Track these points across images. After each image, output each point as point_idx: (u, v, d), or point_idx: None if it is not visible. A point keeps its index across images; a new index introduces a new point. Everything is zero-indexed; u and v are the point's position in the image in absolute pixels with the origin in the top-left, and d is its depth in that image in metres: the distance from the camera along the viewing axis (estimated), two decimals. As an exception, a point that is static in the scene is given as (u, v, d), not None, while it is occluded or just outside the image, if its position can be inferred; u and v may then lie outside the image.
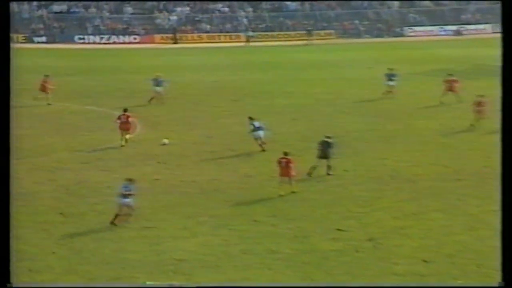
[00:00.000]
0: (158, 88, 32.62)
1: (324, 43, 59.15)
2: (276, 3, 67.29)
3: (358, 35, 63.90)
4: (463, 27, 63.58)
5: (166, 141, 25.10)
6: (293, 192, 19.61)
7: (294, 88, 36.67)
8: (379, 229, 17.15)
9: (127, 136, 24.99)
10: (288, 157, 20.06)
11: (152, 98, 32.26)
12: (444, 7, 67.43)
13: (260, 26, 64.67)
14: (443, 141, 25.18)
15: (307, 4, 67.43)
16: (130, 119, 25.16)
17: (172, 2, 66.43)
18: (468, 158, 22.92)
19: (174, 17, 64.89)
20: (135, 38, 61.81)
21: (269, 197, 19.55)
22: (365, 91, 35.66)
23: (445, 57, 48.31)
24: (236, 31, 63.84)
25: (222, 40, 61.84)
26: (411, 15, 66.41)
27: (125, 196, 17.64)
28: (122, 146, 24.56)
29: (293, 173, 19.78)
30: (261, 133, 24.27)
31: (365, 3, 67.82)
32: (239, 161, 23.11)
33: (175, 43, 60.51)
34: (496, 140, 25.87)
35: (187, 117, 30.06)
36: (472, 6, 67.71)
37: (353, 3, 67.76)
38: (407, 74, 40.53)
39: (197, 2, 66.56)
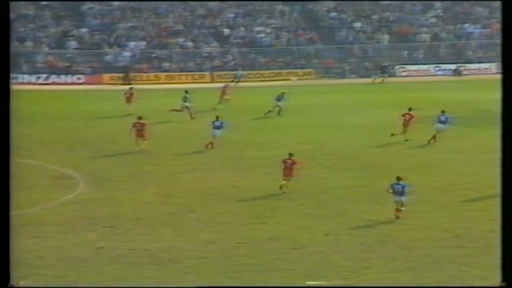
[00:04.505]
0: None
1: (302, 84, 59.90)
2: (247, 37, 68.25)
3: (342, 74, 64.89)
4: (463, 66, 64.89)
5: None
6: (284, 193, 25.38)
7: (267, 137, 36.86)
8: (367, 306, 17.02)
9: (144, 143, 31.58)
10: (293, 158, 25.94)
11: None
12: (441, 42, 69.00)
13: (228, 64, 65.40)
14: (442, 200, 25.36)
15: (283, 38, 68.51)
16: (145, 126, 32.16)
17: (124, 37, 66.91)
18: (472, 221, 23.06)
19: (126, 54, 65.28)
20: (79, 78, 61.80)
21: (235, 270, 19.34)
22: (351, 140, 35.97)
23: (443, 101, 49.07)
24: (200, 69, 64.45)
25: (184, 80, 62.24)
26: (403, 51, 67.72)
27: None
28: (136, 151, 29.65)
29: (294, 174, 25.65)
30: (218, 132, 32.20)
31: (350, 37, 69.14)
32: (200, 225, 22.95)
33: (127, 83, 60.52)
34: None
35: (140, 172, 29.92)
36: (474, 42, 69.43)
37: (336, 37, 69.03)
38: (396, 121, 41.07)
39: (154, 36, 67.24)
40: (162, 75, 63.15)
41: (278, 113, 43.54)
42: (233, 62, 65.66)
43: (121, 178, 29.00)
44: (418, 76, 62.93)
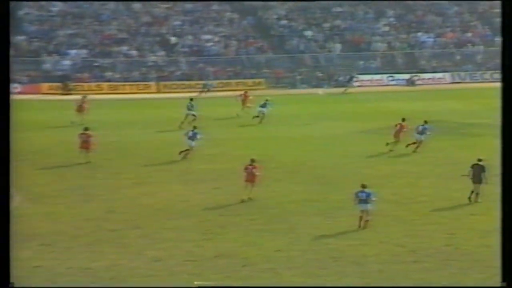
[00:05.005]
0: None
1: (253, 95, 59.96)
2: (195, 46, 68.18)
3: (293, 84, 65.27)
4: (417, 75, 65.89)
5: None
6: (249, 198, 26.16)
7: (216, 149, 36.80)
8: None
9: (88, 156, 30.92)
10: (255, 164, 26.76)
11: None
12: (394, 51, 69.99)
13: (175, 73, 65.21)
14: (396, 214, 25.61)
15: (232, 47, 68.65)
16: (91, 138, 31.12)
17: (64, 44, 66.17)
18: (427, 235, 23.32)
19: (66, 62, 64.54)
20: (15, 88, 60.76)
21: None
22: (303, 152, 36.14)
23: (397, 111, 49.65)
24: (145, 79, 64.09)
25: (128, 90, 61.86)
26: (356, 61, 68.43)
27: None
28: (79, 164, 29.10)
29: (257, 179, 26.40)
30: (192, 143, 33.22)
31: (301, 46, 69.65)
32: (146, 242, 22.72)
33: (67, 93, 59.83)
34: (460, 213, 26.55)
35: (81, 186, 29.53)
36: (428, 51, 70.63)
37: (287, 46, 69.48)
38: (353, 133, 41.52)
39: (96, 44, 66.66)
40: (105, 84, 62.58)
41: (261, 121, 44.75)
42: (180, 72, 65.50)
43: (60, 192, 28.57)
44: (371, 86, 63.59)
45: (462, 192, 27.79)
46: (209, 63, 66.30)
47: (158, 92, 61.39)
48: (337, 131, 42.04)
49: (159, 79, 64.07)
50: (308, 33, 71.01)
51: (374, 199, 23.82)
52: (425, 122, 36.11)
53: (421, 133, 35.70)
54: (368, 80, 65.40)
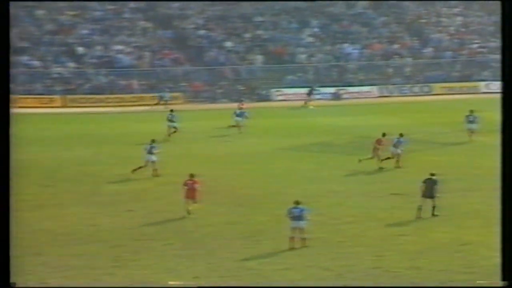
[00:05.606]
0: None
1: (169, 109, 59.60)
2: (105, 57, 67.41)
3: (213, 98, 65.26)
4: (343, 89, 66.77)
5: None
6: (188, 214, 26.83)
7: (130, 169, 36.34)
8: None
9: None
10: (195, 178, 27.27)
11: None
12: (319, 64, 70.80)
13: (83, 87, 64.25)
14: (322, 236, 25.68)
15: (146, 58, 68.18)
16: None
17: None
18: (355, 257, 23.43)
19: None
20: None
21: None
22: (223, 172, 36.03)
23: (322, 127, 50.34)
24: (49, 92, 62.91)
25: (30, 104, 60.56)
26: (279, 73, 68.82)
27: None
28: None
29: (197, 195, 26.99)
30: (153, 157, 33.55)
31: (221, 57, 69.75)
32: (47, 270, 22.11)
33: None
34: (388, 233, 26.85)
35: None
36: (354, 63, 71.74)
37: (205, 58, 69.45)
38: (277, 150, 41.69)
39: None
40: (5, 98, 61.11)
41: (239, 129, 46.65)
42: (89, 85, 64.58)
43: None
44: (296, 100, 63.99)
45: (391, 211, 28.16)
46: (121, 75, 65.64)
47: (64, 106, 60.36)
48: (261, 148, 42.13)
49: (65, 92, 63.00)
50: (228, 44, 71.18)
51: (308, 216, 23.90)
52: (401, 135, 36.63)
53: (397, 146, 36.09)
54: (292, 94, 65.79)
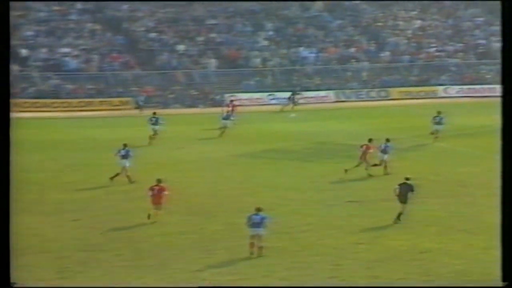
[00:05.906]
0: None
1: (119, 115, 59.34)
2: (51, 60, 66.81)
3: (165, 104, 65.01)
4: (299, 93, 67.04)
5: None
6: (153, 222, 26.90)
7: (77, 176, 36.07)
8: None
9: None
10: (162, 184, 27.44)
11: None
12: (274, 68, 71.08)
13: (27, 91, 63.53)
14: (278, 246, 25.75)
15: (94, 61, 67.73)
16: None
17: None
18: (311, 267, 23.52)
19: None
20: None
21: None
22: (175, 179, 35.87)
23: (278, 133, 50.53)
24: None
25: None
26: (233, 78, 68.92)
27: None
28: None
29: (163, 201, 27.13)
30: (126, 162, 33.58)
31: (173, 61, 69.61)
32: (-7, 284, 21.85)
33: None
34: (345, 242, 27.01)
35: None
36: (310, 67, 72.14)
37: (157, 62, 69.24)
38: (232, 156, 41.72)
39: None
40: None
41: (222, 133, 47.22)
42: (33, 89, 63.88)
43: None
44: (250, 106, 64.22)
45: (347, 219, 28.36)
46: (67, 79, 65.11)
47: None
48: (214, 155, 42.12)
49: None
50: (181, 47, 71.09)
51: (267, 224, 24.02)
52: (387, 140, 36.73)
53: (384, 152, 36.16)
54: (246, 99, 66.00)
